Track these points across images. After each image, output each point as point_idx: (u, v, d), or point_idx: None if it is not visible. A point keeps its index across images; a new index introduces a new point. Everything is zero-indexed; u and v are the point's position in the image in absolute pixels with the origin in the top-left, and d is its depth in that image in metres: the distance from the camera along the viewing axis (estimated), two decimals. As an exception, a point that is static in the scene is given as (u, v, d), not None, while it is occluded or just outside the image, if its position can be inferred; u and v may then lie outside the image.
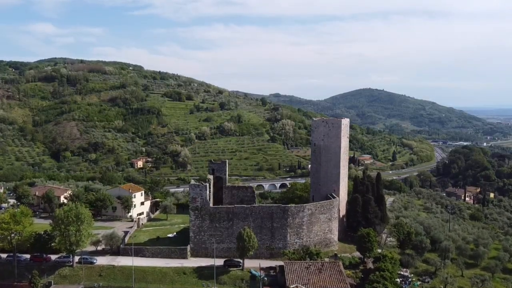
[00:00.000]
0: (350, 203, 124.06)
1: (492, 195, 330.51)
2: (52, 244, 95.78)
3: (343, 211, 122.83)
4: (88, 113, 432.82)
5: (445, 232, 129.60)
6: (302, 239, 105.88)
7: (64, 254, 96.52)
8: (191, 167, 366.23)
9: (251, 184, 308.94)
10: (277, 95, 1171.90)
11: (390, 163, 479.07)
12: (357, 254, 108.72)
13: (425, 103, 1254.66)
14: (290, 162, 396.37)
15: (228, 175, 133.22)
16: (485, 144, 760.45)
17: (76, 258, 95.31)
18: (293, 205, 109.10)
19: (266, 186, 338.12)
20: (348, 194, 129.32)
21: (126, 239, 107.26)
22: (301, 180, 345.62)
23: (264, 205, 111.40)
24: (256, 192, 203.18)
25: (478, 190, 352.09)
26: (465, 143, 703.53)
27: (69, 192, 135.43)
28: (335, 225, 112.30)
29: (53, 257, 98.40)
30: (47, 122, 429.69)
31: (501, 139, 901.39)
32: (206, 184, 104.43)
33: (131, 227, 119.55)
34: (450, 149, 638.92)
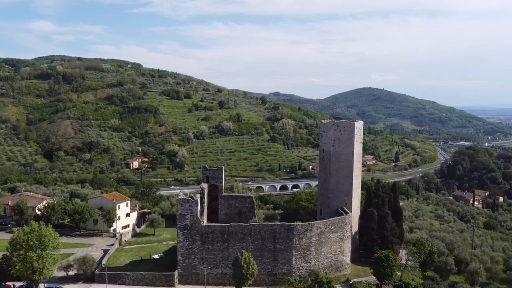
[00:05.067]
0: (363, 218, 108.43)
1: (501, 199, 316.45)
2: (12, 272, 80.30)
3: (355, 227, 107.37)
4: (83, 112, 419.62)
5: (470, 251, 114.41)
6: (310, 262, 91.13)
7: (25, 282, 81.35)
8: (188, 168, 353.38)
9: (250, 185, 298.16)
10: (277, 94, 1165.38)
11: (393, 164, 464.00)
12: (372, 278, 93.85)
13: (426, 102, 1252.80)
14: (290, 163, 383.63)
15: (226, 176, 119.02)
16: (486, 144, 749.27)
17: (42, 287, 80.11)
18: (299, 223, 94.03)
19: (266, 187, 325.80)
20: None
21: (104, 260, 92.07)
22: (302, 182, 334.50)
23: (265, 223, 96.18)
24: (256, 194, 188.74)
25: (487, 193, 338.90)
26: (466, 143, 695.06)
27: (45, 203, 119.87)
28: (347, 246, 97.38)
29: (17, 284, 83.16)
30: (42, 120, 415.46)
31: (502, 139, 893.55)
32: (196, 199, 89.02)
33: (112, 244, 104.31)
34: (452, 149, 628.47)
